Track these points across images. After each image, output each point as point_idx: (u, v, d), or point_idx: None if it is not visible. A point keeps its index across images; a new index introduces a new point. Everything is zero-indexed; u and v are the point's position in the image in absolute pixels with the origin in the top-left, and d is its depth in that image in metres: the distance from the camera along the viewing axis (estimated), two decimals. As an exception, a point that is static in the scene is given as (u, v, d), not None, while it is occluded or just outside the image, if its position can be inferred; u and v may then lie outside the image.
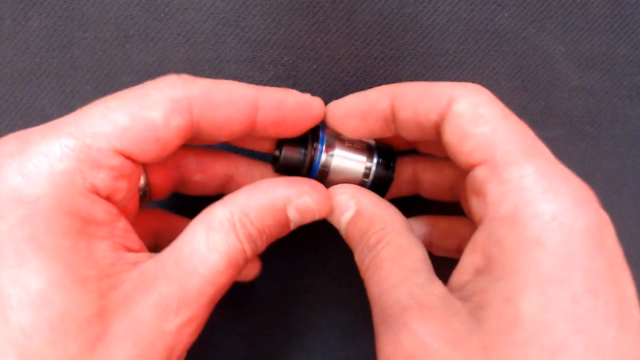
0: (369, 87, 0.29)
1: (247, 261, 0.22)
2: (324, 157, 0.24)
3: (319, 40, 0.28)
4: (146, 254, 0.22)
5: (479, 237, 0.20)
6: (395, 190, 0.28)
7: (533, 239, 0.18)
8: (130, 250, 0.21)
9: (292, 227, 0.23)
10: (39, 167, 0.19)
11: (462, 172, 0.22)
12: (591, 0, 0.28)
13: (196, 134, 0.22)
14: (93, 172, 0.20)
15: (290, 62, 0.29)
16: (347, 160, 0.25)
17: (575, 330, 0.17)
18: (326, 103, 0.29)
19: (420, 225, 0.28)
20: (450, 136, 0.21)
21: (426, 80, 0.29)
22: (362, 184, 0.25)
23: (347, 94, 0.29)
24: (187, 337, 0.20)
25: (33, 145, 0.19)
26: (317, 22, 0.28)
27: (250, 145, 0.27)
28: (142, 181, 0.25)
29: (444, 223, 0.28)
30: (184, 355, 0.21)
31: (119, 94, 0.21)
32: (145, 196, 0.26)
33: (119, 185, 0.21)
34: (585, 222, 0.18)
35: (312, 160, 0.24)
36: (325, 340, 0.32)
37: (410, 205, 0.29)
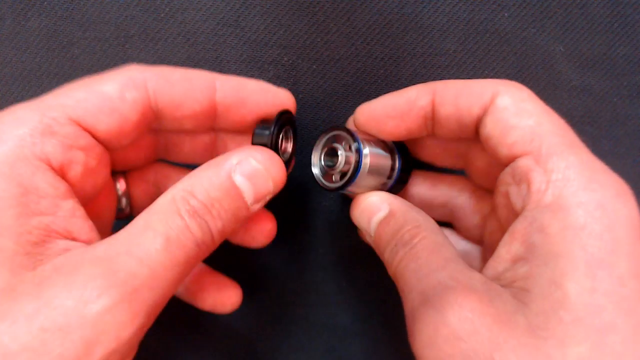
0: (369, 87, 0.29)
1: (198, 243, 0.20)
2: (366, 159, 0.24)
3: (319, 40, 0.28)
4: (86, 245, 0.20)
5: (519, 225, 0.20)
6: None
7: (578, 225, 0.18)
8: (72, 238, 0.20)
9: (249, 199, 0.21)
10: None
11: (499, 164, 0.22)
12: (591, 0, 0.28)
13: (158, 116, 0.23)
14: (45, 138, 0.20)
15: (290, 62, 0.29)
16: (375, 158, 0.24)
17: (623, 311, 0.17)
18: (326, 103, 0.29)
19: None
20: (493, 129, 0.21)
21: (427, 80, 0.28)
22: (384, 184, 0.25)
23: (347, 94, 0.29)
24: (115, 329, 0.18)
25: None
26: (317, 22, 0.28)
27: None
28: (120, 189, 0.26)
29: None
30: None
31: (87, 78, 0.22)
32: (126, 208, 0.26)
33: (74, 156, 0.20)
34: (627, 211, 0.19)
35: (357, 162, 0.24)
36: (325, 340, 0.32)
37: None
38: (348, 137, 0.24)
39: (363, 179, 0.24)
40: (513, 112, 0.21)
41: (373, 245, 0.24)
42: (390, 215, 0.23)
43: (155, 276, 0.19)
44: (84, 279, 0.18)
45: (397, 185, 0.26)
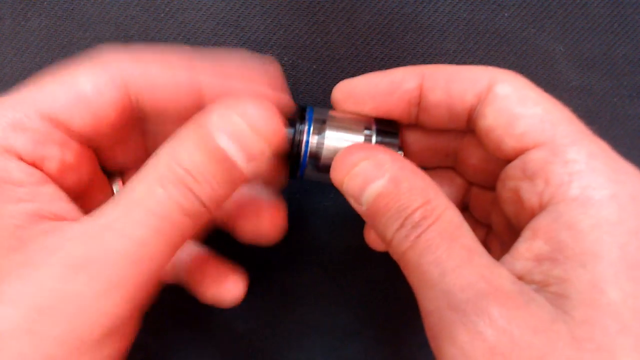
0: (369, 87, 0.29)
1: (188, 213, 0.19)
2: (314, 139, 0.21)
3: (319, 40, 0.28)
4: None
5: (542, 222, 0.18)
6: None
7: (613, 220, 0.17)
8: (58, 218, 0.19)
9: (240, 161, 0.19)
10: None
11: (500, 159, 0.21)
12: (591, 0, 0.28)
13: (142, 113, 0.21)
14: (14, 133, 0.19)
15: (290, 62, 0.29)
16: (341, 142, 0.21)
17: None
18: (326, 103, 0.29)
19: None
20: (496, 119, 0.20)
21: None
22: None
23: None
24: (111, 307, 0.18)
25: None
26: (317, 22, 0.28)
27: None
28: (119, 188, 0.25)
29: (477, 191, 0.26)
30: (116, 345, 0.18)
31: (63, 66, 0.21)
32: None
33: (46, 152, 0.20)
34: None
35: (299, 144, 0.21)
36: (325, 340, 0.32)
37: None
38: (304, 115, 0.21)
39: (317, 169, 0.21)
40: (516, 100, 0.20)
41: (363, 215, 0.21)
42: (392, 184, 0.19)
43: (145, 253, 0.18)
44: (71, 258, 0.17)
45: None
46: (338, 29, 0.28)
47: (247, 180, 0.20)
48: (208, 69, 0.21)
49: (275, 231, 0.24)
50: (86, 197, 0.23)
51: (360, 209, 0.20)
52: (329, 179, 0.22)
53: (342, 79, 0.29)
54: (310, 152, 0.21)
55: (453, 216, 0.19)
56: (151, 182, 0.18)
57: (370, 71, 0.28)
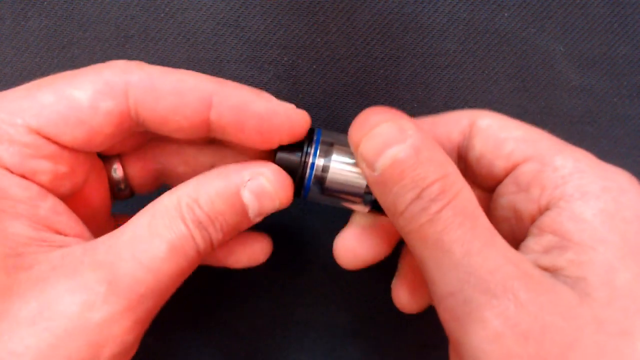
0: (369, 87, 0.29)
1: (199, 252, 0.20)
2: (320, 162, 0.21)
3: (319, 40, 0.28)
4: (79, 240, 0.20)
5: (546, 219, 0.20)
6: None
7: (611, 210, 0.19)
8: (60, 233, 0.19)
9: (252, 215, 0.21)
10: None
11: (491, 184, 0.22)
12: (591, 0, 0.28)
13: (140, 125, 0.21)
14: (2, 146, 0.18)
15: (290, 62, 0.29)
16: (347, 166, 0.21)
17: None
18: (326, 103, 0.29)
19: None
20: (483, 146, 0.22)
21: (426, 80, 0.29)
22: (364, 197, 0.22)
23: (347, 94, 0.29)
24: (121, 334, 0.18)
25: None
26: (317, 22, 0.28)
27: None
28: (118, 173, 0.24)
29: None
30: None
31: (61, 73, 0.20)
32: (126, 189, 0.25)
33: (37, 165, 0.19)
34: None
35: (305, 165, 0.21)
36: (325, 340, 0.32)
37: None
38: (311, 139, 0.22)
39: (322, 192, 0.22)
40: (498, 128, 0.22)
41: (372, 182, 0.20)
42: (412, 151, 0.18)
43: (159, 283, 0.19)
44: (88, 283, 0.18)
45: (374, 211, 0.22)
46: (338, 29, 0.28)
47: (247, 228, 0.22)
48: (217, 80, 0.21)
49: (264, 257, 0.25)
50: (81, 190, 0.22)
51: (372, 175, 0.19)
52: (333, 202, 0.23)
53: (342, 79, 0.29)
54: (315, 175, 0.22)
55: (471, 195, 0.19)
56: (173, 217, 0.19)
57: (371, 71, 0.28)
